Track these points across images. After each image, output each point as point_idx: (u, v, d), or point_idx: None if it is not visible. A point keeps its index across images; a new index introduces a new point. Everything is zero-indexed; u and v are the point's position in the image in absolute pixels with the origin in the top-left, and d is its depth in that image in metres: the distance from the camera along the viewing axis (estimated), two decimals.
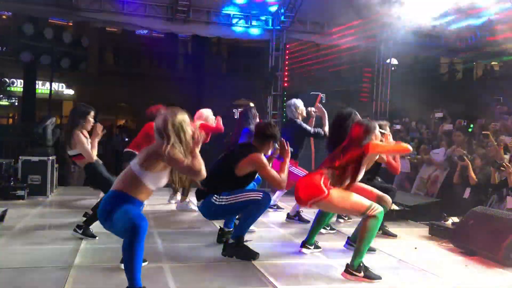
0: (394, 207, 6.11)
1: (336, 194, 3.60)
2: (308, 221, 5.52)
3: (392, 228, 5.25)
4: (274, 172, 4.05)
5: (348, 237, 4.51)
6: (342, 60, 12.22)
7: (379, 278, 3.54)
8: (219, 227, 4.62)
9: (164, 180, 3.17)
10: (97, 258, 3.89)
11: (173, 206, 6.40)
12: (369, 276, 3.53)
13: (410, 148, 3.89)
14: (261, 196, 3.98)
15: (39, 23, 9.34)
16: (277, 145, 4.33)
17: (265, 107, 11.02)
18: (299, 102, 6.01)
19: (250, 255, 3.98)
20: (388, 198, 4.22)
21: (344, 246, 4.46)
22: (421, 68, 16.96)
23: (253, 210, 4.00)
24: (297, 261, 4.05)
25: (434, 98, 13.54)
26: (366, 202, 3.66)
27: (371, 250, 4.26)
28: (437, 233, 5.04)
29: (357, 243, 3.66)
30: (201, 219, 5.72)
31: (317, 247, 4.35)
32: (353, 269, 3.55)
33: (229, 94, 18.04)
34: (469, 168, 6.04)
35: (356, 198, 3.67)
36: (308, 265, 3.94)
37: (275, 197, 6.46)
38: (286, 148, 4.21)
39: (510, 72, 18.80)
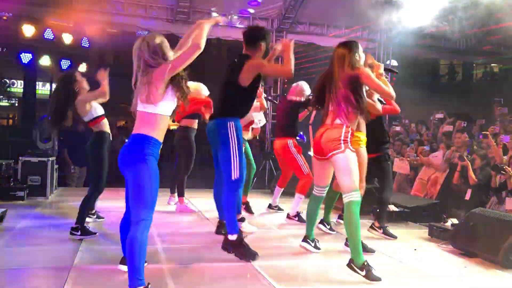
0: (394, 208, 6.13)
1: (350, 154, 3.70)
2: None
3: (391, 229, 5.25)
4: (276, 65, 4.09)
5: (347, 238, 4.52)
6: None
7: (379, 279, 3.54)
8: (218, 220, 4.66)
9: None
10: (97, 259, 3.89)
11: (172, 208, 6.41)
12: (369, 276, 3.53)
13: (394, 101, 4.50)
14: (236, 177, 3.92)
15: (39, 24, 9.34)
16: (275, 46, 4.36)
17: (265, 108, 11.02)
18: (305, 86, 6.09)
19: (251, 255, 3.96)
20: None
21: (345, 245, 4.47)
22: (421, 70, 16.97)
23: (227, 201, 3.96)
24: (297, 262, 4.05)
25: (434, 99, 13.55)
26: (358, 183, 3.74)
27: (370, 251, 4.26)
28: (437, 235, 5.04)
29: (348, 239, 3.77)
30: (200, 221, 5.75)
31: (317, 247, 4.33)
32: (357, 266, 3.56)
33: None
34: (469, 168, 6.05)
35: (357, 172, 3.75)
36: (308, 266, 3.94)
37: (276, 198, 6.48)
38: (287, 42, 4.15)
39: (509, 73, 18.85)
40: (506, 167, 5.41)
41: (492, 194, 5.80)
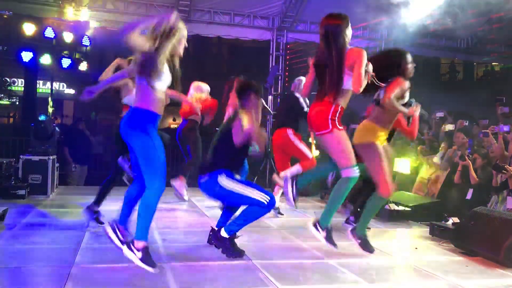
0: (394, 206, 6.13)
1: (338, 134, 3.84)
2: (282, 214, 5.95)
3: (392, 228, 5.26)
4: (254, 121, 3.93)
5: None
6: None
7: (335, 245, 3.98)
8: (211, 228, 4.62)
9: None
10: (98, 258, 3.89)
11: (173, 205, 6.41)
12: (329, 239, 3.98)
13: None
14: (267, 200, 3.84)
15: (40, 23, 9.34)
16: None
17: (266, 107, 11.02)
18: (304, 79, 6.07)
19: (239, 254, 3.94)
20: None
21: (345, 223, 4.75)
22: (422, 68, 16.95)
23: (255, 212, 3.91)
24: (298, 261, 4.04)
25: (435, 98, 13.53)
26: (354, 159, 3.90)
27: (369, 250, 4.22)
28: (438, 234, 5.03)
29: (328, 202, 4.04)
30: (201, 218, 5.75)
31: (330, 240, 4.13)
32: (320, 226, 3.99)
33: None
34: (470, 168, 6.04)
35: (351, 149, 3.90)
36: (309, 265, 3.93)
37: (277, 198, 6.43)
38: None
39: (510, 72, 18.83)
40: (507, 166, 5.40)
41: (493, 193, 5.79)
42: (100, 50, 16.54)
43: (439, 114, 8.64)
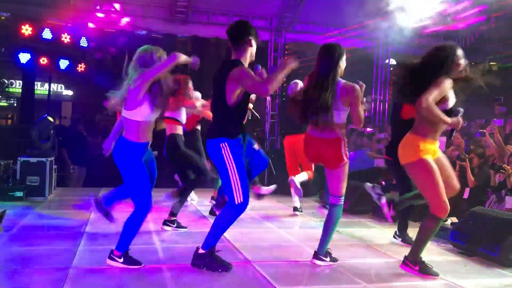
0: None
1: (346, 166, 3.88)
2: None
3: (389, 228, 5.24)
4: (256, 80, 3.44)
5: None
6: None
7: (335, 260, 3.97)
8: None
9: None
10: (96, 259, 3.88)
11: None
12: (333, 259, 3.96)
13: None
14: (240, 201, 3.50)
15: (38, 24, 9.33)
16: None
17: (263, 107, 11.04)
18: (300, 83, 6.17)
19: (223, 266, 3.63)
20: None
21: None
22: None
23: (226, 219, 3.59)
24: (297, 263, 4.04)
25: None
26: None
27: (433, 274, 3.74)
28: (436, 234, 5.01)
29: (328, 233, 3.95)
30: (199, 220, 5.74)
31: (332, 259, 4.00)
32: (322, 255, 3.93)
33: None
34: (468, 169, 6.02)
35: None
36: (308, 267, 3.93)
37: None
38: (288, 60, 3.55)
39: (507, 72, 18.84)
40: (505, 165, 5.40)
41: (491, 193, 5.79)
42: (98, 51, 16.57)
43: None
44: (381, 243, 4.81)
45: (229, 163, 3.50)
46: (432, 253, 4.54)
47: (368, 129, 10.62)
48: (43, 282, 3.32)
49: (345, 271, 3.77)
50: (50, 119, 7.64)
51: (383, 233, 5.34)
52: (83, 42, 9.66)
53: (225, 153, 3.51)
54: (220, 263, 3.63)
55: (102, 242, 4.43)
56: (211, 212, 5.95)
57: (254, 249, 4.10)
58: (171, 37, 16.98)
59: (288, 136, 6.38)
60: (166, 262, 3.87)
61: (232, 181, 3.50)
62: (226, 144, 3.52)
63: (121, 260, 3.64)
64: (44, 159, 6.99)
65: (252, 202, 6.42)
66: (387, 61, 12.40)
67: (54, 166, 7.53)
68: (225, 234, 4.79)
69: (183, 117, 5.20)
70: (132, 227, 3.63)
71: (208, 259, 3.61)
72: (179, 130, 5.15)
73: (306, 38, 11.03)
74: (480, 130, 6.29)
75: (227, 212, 3.58)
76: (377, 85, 12.29)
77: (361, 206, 6.48)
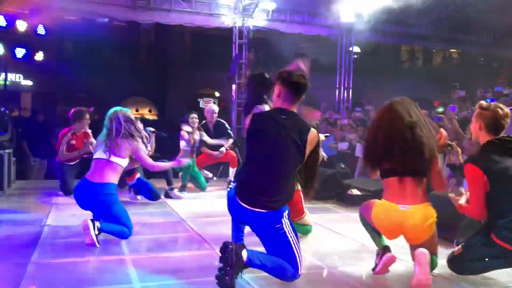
0: (357, 192, 6.25)
1: None
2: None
3: (354, 213, 5.33)
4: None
5: None
6: (305, 48, 12.33)
7: None
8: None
9: None
10: (57, 253, 3.79)
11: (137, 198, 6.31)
12: None
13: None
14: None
15: None
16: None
17: (230, 96, 11.01)
18: (215, 107, 7.51)
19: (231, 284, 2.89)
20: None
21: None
22: (383, 55, 17.27)
23: (282, 274, 3.07)
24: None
25: (396, 84, 13.85)
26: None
27: None
28: None
29: None
30: (164, 212, 5.69)
31: None
32: None
33: (194, 83, 17.87)
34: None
35: None
36: None
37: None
38: None
39: (468, 59, 19.45)
40: (453, 143, 5.53)
41: (450, 175, 5.95)
42: (57, 39, 16.07)
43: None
44: (344, 227, 4.88)
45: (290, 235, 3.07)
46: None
47: (335, 116, 10.75)
48: (1, 278, 3.22)
49: (309, 256, 3.81)
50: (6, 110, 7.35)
51: (346, 218, 5.44)
52: (41, 30, 9.32)
53: (285, 222, 3.07)
54: (234, 278, 2.87)
55: (65, 235, 4.33)
56: (166, 195, 6.35)
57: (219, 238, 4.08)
58: (134, 25, 16.69)
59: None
60: (130, 253, 3.82)
61: (296, 252, 3.05)
62: (287, 212, 3.10)
63: (97, 232, 3.87)
64: (1, 152, 6.74)
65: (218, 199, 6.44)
66: (350, 48, 12.55)
67: (13, 159, 7.27)
68: (192, 225, 4.80)
69: None
70: (116, 232, 4.11)
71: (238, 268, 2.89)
72: None
73: (271, 25, 11.02)
74: (438, 116, 6.47)
75: (285, 274, 3.05)
76: (341, 72, 12.43)
77: (325, 192, 6.58)
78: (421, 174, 3.28)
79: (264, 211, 2.99)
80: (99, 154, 4.19)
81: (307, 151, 3.06)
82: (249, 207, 3.02)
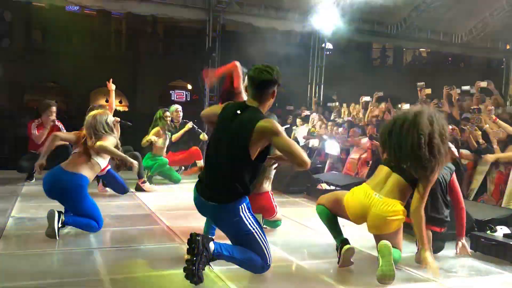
0: (326, 186, 6.34)
1: None
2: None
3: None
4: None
5: None
6: (279, 43, 12.36)
7: None
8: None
9: None
10: (21, 245, 3.72)
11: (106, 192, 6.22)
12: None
13: None
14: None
15: None
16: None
17: (202, 88, 10.95)
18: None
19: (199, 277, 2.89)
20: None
21: None
22: (354, 53, 17.48)
23: (251, 264, 3.10)
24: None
25: (366, 82, 14.06)
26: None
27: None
28: None
29: None
30: (134, 204, 5.64)
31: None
32: None
33: (166, 75, 17.66)
34: (379, 147, 6.30)
35: None
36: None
37: None
38: None
39: (437, 58, 19.93)
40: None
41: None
42: (24, 26, 15.59)
43: (366, 99, 8.99)
44: (313, 221, 4.95)
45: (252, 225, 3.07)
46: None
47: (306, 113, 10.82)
48: None
49: (278, 249, 3.85)
50: None
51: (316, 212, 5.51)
52: (7, 17, 9.03)
53: (245, 215, 3.06)
54: (201, 269, 2.87)
55: (30, 226, 4.25)
56: (137, 188, 6.39)
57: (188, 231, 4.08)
58: (105, 14, 16.34)
59: None
60: (98, 245, 3.78)
61: (261, 243, 3.07)
62: (245, 205, 3.08)
63: (60, 225, 3.86)
64: None
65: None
66: (323, 45, 12.66)
67: None
68: (162, 218, 4.78)
69: None
70: (84, 226, 4.07)
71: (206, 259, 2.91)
72: None
73: (245, 19, 11.00)
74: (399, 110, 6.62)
75: (255, 265, 3.08)
76: (314, 68, 12.54)
77: (295, 186, 6.66)
78: (411, 181, 3.37)
79: (216, 204, 3.03)
80: (79, 149, 4.20)
81: (256, 142, 2.93)
82: (204, 200, 3.08)
